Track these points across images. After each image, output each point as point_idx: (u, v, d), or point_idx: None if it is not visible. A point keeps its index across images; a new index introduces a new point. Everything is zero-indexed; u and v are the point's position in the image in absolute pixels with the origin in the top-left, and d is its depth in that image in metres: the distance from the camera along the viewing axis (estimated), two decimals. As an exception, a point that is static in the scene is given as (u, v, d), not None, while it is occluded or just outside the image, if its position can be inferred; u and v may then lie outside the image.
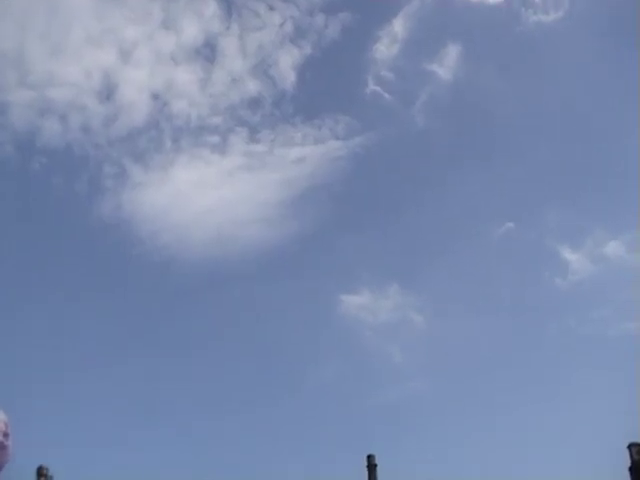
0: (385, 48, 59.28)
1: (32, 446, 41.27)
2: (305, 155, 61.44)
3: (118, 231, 51.69)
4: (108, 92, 58.73)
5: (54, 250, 53.65)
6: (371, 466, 22.47)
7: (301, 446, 49.67)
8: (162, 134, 61.10)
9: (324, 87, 63.73)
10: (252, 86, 61.94)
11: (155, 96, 60.80)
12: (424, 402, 50.08)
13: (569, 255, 58.06)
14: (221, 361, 50.28)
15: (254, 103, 62.38)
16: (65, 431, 47.50)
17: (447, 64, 58.45)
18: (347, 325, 51.36)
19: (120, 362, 47.60)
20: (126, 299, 49.93)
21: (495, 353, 52.45)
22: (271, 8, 60.93)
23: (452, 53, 60.26)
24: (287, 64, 61.15)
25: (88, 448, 45.58)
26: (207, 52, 60.23)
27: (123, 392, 47.80)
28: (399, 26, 59.65)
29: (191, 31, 59.98)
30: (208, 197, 56.95)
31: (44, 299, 49.89)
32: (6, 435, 2.44)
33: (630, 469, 22.67)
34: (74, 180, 57.27)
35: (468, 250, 54.18)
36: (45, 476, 21.95)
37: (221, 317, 51.13)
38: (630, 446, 23.27)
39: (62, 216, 54.57)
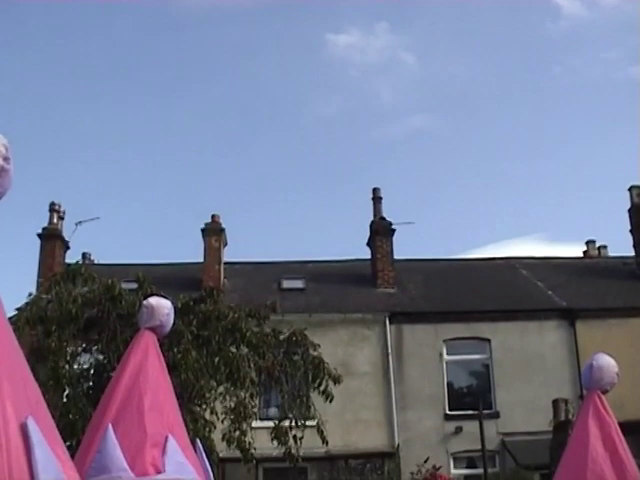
0: None
1: (43, 182, 42.01)
2: None
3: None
4: None
5: (50, 17, 50.83)
6: (376, 198, 22.27)
7: (305, 182, 50.07)
8: None
9: None
10: None
11: None
12: (425, 138, 48.95)
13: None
14: (218, 101, 49.26)
15: None
16: (73, 167, 47.43)
17: None
18: (336, 65, 49.37)
19: (121, 101, 46.58)
20: (125, 33, 47.38)
21: (497, 94, 50.00)
22: None
23: None
24: None
25: (95, 183, 45.52)
26: None
27: (126, 128, 46.93)
28: None
29: None
30: None
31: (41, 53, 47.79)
32: (7, 159, 2.28)
33: (629, 211, 23.18)
34: None
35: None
36: (57, 212, 22.18)
37: (216, 58, 48.99)
38: (631, 188, 23.41)
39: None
